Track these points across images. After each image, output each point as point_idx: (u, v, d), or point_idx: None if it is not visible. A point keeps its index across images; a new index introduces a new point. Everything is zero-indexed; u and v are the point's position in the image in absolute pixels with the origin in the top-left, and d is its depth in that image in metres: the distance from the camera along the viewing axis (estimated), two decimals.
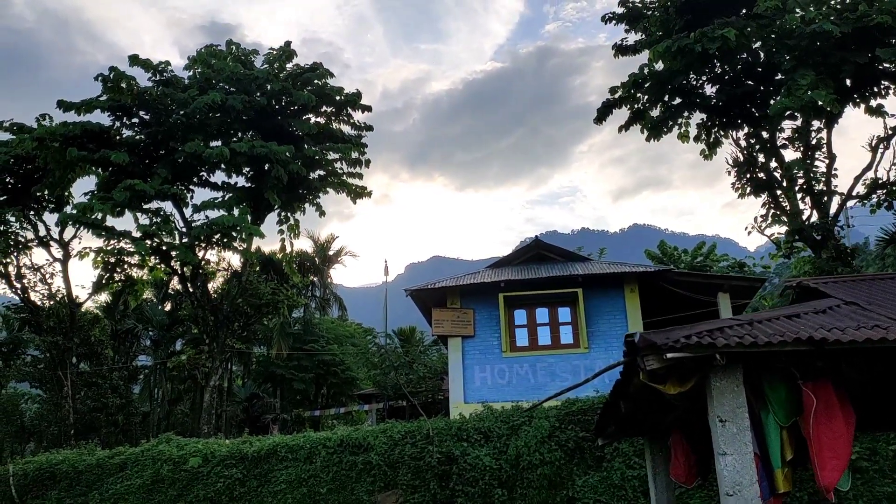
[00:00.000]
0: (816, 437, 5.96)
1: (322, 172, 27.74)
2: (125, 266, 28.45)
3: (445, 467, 14.70)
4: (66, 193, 28.73)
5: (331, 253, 50.65)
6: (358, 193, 28.02)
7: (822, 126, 21.14)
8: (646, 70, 21.70)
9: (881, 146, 20.69)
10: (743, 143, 22.35)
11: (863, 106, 20.53)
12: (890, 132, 20.46)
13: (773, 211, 21.76)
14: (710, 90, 22.54)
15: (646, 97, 22.44)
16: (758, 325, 6.09)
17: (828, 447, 6.00)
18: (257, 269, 30.54)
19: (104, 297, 36.68)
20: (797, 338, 5.51)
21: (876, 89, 20.35)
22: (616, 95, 22.74)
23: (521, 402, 16.27)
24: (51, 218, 30.66)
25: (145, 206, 25.31)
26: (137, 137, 25.91)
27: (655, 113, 22.80)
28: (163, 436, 18.16)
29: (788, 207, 21.36)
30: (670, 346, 5.50)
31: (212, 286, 30.75)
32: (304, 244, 49.47)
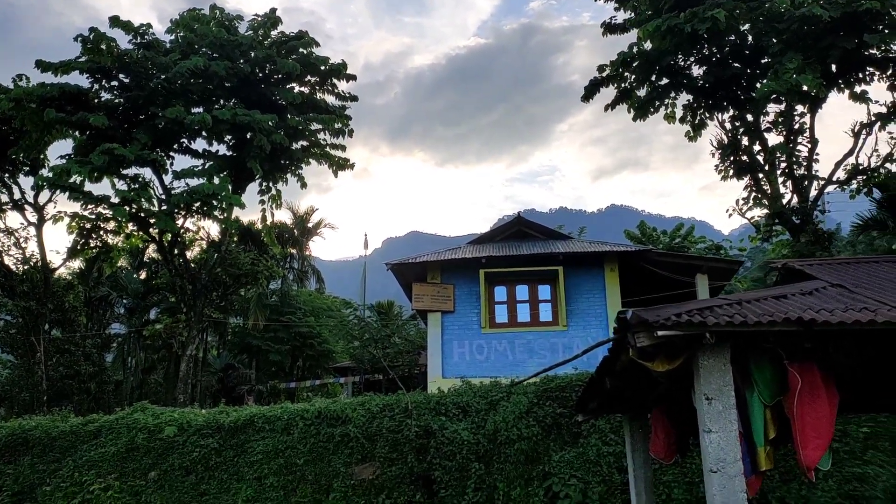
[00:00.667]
0: (800, 416, 6.02)
1: (305, 143, 27.39)
2: (101, 232, 28.01)
3: (423, 441, 14.70)
4: (42, 156, 28.18)
5: (310, 225, 50.36)
6: (340, 165, 27.69)
7: (805, 111, 21.26)
8: (635, 49, 21.63)
9: (864, 132, 20.85)
10: (728, 126, 22.45)
11: (847, 91, 20.68)
12: (873, 118, 20.61)
13: (754, 194, 21.91)
14: (697, 71, 22.57)
15: (633, 76, 22.41)
16: (746, 305, 6.10)
17: (810, 427, 6.06)
18: (235, 239, 30.23)
19: (78, 264, 36.18)
20: (786, 318, 5.53)
21: (861, 75, 20.49)
22: (604, 74, 22.69)
23: (500, 378, 16.33)
24: (26, 181, 30.15)
25: (123, 172, 24.85)
26: (117, 101, 25.33)
27: (642, 92, 22.79)
28: (138, 404, 18.01)
29: (769, 191, 21.52)
30: (661, 323, 5.50)
31: (189, 255, 30.44)
32: (283, 216, 49.20)
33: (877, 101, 20.67)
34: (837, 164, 21.22)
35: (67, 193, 23.24)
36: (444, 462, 14.34)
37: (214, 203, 24.03)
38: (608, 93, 23.44)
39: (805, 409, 6.04)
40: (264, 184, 27.36)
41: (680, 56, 21.91)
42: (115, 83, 25.47)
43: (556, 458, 13.98)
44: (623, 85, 22.74)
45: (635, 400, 8.92)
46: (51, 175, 23.58)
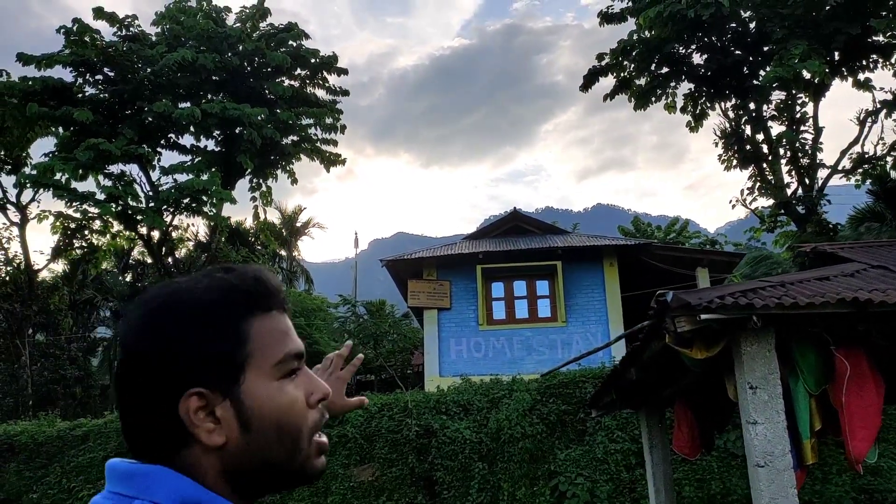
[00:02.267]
0: (848, 406, 5.64)
1: (295, 138, 26.72)
2: (86, 232, 27.28)
3: (424, 440, 14.34)
4: (25, 154, 27.42)
5: (298, 224, 49.78)
6: (331, 161, 27.06)
7: (807, 99, 20.94)
8: (634, 37, 21.23)
9: (869, 120, 20.55)
10: (730, 115, 22.07)
11: (850, 79, 20.42)
12: (878, 106, 20.33)
13: (759, 184, 21.56)
14: (698, 59, 22.17)
15: (632, 65, 21.96)
16: (791, 287, 5.70)
17: (858, 417, 5.69)
18: (224, 238, 29.58)
19: (61, 266, 35.41)
20: (841, 299, 5.12)
21: (864, 63, 20.20)
22: (603, 63, 22.22)
23: (500, 376, 15.91)
24: (8, 180, 29.34)
25: (109, 169, 24.13)
26: (102, 95, 24.52)
27: (642, 82, 22.37)
28: None
29: (773, 181, 21.18)
30: (705, 306, 5.09)
31: (178, 255, 29.80)
32: (270, 215, 48.53)
33: (882, 89, 20.43)
34: (843, 153, 20.87)
35: (52, 191, 22.54)
36: (445, 462, 13.97)
37: (204, 199, 23.39)
38: (607, 83, 23.03)
39: (853, 399, 5.66)
40: (255, 180, 26.62)
41: (680, 45, 21.50)
42: (99, 77, 24.65)
43: (562, 456, 13.66)
44: (622, 74, 22.29)
45: (656, 393, 8.53)
46: (34, 173, 22.82)
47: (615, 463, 13.48)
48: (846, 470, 12.67)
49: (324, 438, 1.06)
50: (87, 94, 24.68)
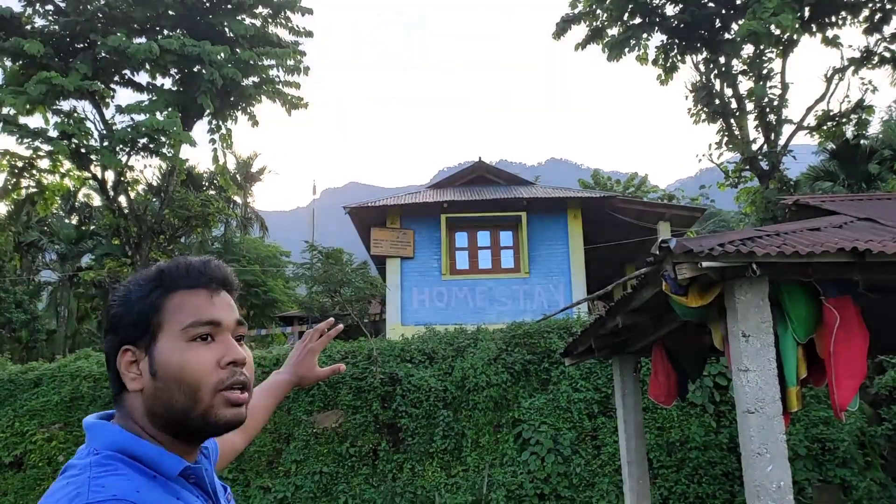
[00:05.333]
0: (835, 355, 5.70)
1: (256, 79, 25.77)
2: (34, 171, 26.10)
3: (388, 388, 14.33)
4: None
5: (253, 170, 48.78)
6: (294, 104, 26.25)
7: (775, 56, 20.94)
8: None
9: (836, 77, 20.70)
10: (701, 69, 21.98)
11: (819, 36, 20.48)
12: (846, 63, 20.45)
13: (726, 138, 21.63)
14: (671, 10, 21.89)
15: (605, 14, 21.65)
16: (787, 236, 5.70)
17: (844, 366, 5.75)
18: (181, 179, 28.63)
19: (4, 207, 34.03)
20: (840, 248, 5.12)
21: (833, 19, 20.27)
22: (576, 10, 21.87)
23: (464, 325, 15.94)
24: None
25: (59, 105, 22.98)
26: (52, 27, 23.18)
27: (614, 32, 22.08)
28: (81, 351, 17.17)
29: (740, 136, 21.27)
30: (707, 253, 5.06)
31: (131, 196, 28.78)
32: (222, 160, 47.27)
33: (850, 46, 20.55)
34: (808, 110, 20.94)
35: (1, 126, 21.40)
36: (410, 409, 14.01)
37: (163, 139, 22.48)
38: (579, 31, 22.66)
39: (840, 348, 5.71)
40: (214, 122, 25.58)
41: None
42: (50, 7, 23.16)
43: (526, 404, 13.79)
44: (595, 24, 21.98)
45: (632, 342, 8.58)
46: None
47: (578, 411, 13.66)
48: (798, 420, 13.04)
49: (235, 394, 1.26)
50: (36, 25, 23.33)
